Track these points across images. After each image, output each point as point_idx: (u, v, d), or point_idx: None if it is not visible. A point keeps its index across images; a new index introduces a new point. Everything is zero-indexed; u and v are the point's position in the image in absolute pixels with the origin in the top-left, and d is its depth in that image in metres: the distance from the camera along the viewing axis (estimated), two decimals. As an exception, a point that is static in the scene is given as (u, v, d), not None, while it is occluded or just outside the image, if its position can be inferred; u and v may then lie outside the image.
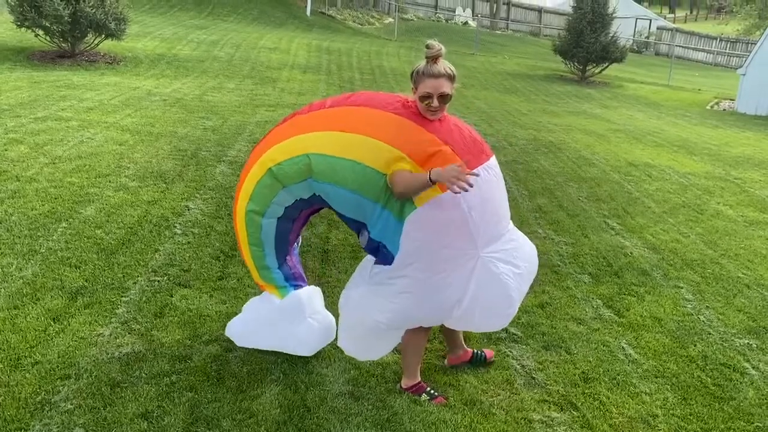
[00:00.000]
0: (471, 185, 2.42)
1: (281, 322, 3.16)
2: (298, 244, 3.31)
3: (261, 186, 2.91)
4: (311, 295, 3.25)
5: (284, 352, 3.24)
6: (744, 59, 17.42)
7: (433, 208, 2.71)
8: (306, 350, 3.22)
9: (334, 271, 4.31)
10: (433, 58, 2.70)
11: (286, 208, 2.96)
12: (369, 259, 3.02)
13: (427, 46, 2.71)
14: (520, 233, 3.13)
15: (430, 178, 2.53)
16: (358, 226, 2.90)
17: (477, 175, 2.53)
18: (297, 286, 3.22)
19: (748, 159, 9.52)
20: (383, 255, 2.83)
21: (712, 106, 16.57)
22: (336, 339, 3.30)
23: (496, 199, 2.89)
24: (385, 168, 2.68)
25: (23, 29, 11.56)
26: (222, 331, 3.42)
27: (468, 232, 2.75)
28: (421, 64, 2.74)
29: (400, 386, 3.08)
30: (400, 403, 2.96)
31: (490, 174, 2.85)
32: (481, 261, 2.80)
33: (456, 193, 2.43)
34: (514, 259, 2.91)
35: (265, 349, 3.27)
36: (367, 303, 2.89)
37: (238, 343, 3.29)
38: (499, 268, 2.83)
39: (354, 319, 2.97)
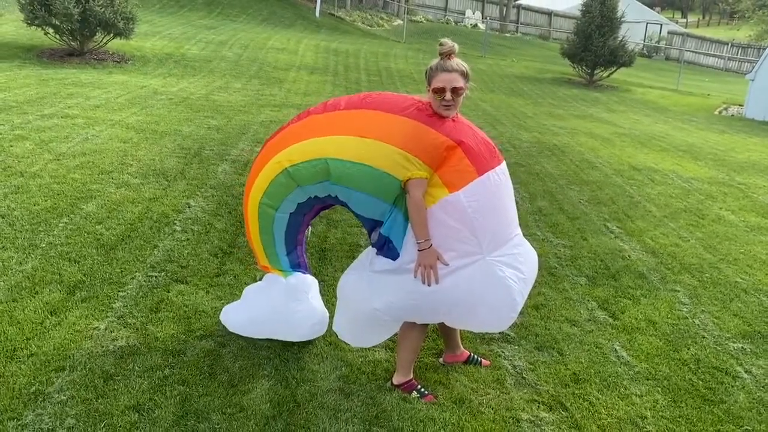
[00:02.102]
0: (437, 281, 2.78)
1: (283, 302, 3.23)
2: (306, 235, 3.39)
3: (276, 184, 2.99)
4: (315, 282, 3.38)
5: (276, 338, 3.31)
6: (755, 65, 17.32)
7: (439, 210, 2.77)
8: (299, 334, 3.28)
9: (330, 269, 4.34)
10: (446, 55, 2.78)
11: (299, 204, 3.05)
12: (371, 248, 3.05)
13: (441, 44, 2.80)
14: (525, 240, 3.15)
15: (423, 240, 2.75)
16: (374, 225, 2.96)
17: (446, 264, 2.78)
18: (302, 273, 3.32)
19: (754, 165, 9.48)
20: (388, 250, 2.88)
21: (720, 112, 16.49)
22: (328, 335, 3.35)
23: (505, 204, 2.92)
24: (400, 172, 2.75)
25: (33, 27, 11.68)
26: (217, 327, 3.47)
27: (473, 235, 2.79)
28: (435, 61, 2.81)
29: (392, 383, 3.10)
30: (389, 401, 2.98)
31: (501, 179, 2.89)
32: (486, 264, 2.83)
33: (420, 278, 2.79)
34: (520, 264, 2.93)
35: (256, 336, 3.34)
36: (367, 290, 2.92)
37: (231, 329, 3.37)
38: (504, 272, 2.85)
39: (351, 304, 3.01)
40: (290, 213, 3.10)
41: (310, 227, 3.43)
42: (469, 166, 2.75)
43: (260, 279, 3.87)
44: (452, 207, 2.76)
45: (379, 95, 2.97)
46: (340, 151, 2.84)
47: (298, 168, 2.92)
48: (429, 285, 2.78)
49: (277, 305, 3.26)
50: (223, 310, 3.51)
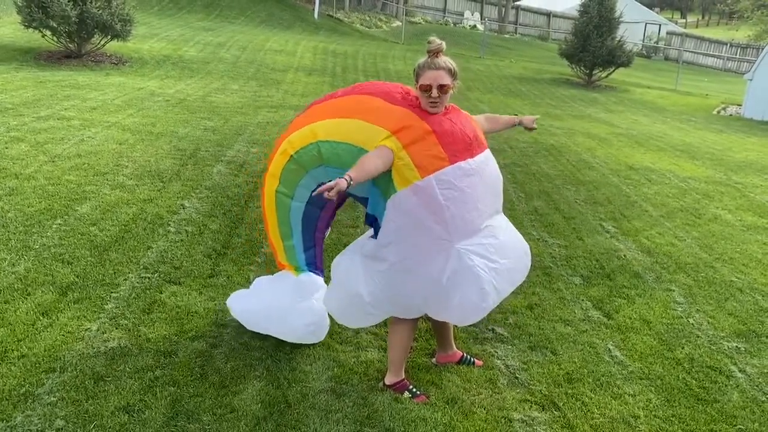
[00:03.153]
0: (329, 198, 2.51)
1: (288, 296, 3.26)
2: (324, 237, 3.44)
3: (287, 171, 3.10)
4: (324, 288, 3.40)
5: (271, 333, 3.31)
6: (753, 65, 17.31)
7: (412, 194, 2.77)
8: (294, 329, 3.28)
9: (325, 270, 4.32)
10: (433, 53, 2.82)
11: (311, 192, 3.11)
12: (369, 230, 3.08)
13: (429, 42, 2.84)
14: (512, 232, 3.13)
15: (348, 175, 2.56)
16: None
17: (330, 195, 2.52)
18: (315, 274, 3.37)
19: (751, 164, 9.47)
20: (377, 228, 2.92)
21: (718, 111, 16.48)
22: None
23: (478, 195, 2.90)
24: (373, 146, 2.81)
25: (31, 30, 11.68)
26: (209, 328, 3.47)
27: (444, 223, 2.79)
28: (423, 58, 2.84)
29: (384, 383, 3.10)
30: (381, 401, 2.98)
31: (474, 170, 2.87)
32: (455, 252, 2.83)
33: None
34: (491, 254, 2.91)
35: (254, 328, 3.35)
36: (354, 273, 2.95)
37: (234, 314, 3.41)
38: (473, 260, 2.84)
39: (342, 284, 3.03)
40: (306, 203, 3.17)
41: (329, 230, 3.47)
42: (441, 152, 2.76)
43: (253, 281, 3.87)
44: (423, 192, 2.75)
45: (371, 83, 3.12)
46: (327, 132, 2.97)
47: (300, 153, 3.04)
48: (326, 196, 2.56)
49: (282, 298, 3.29)
50: (231, 295, 3.53)
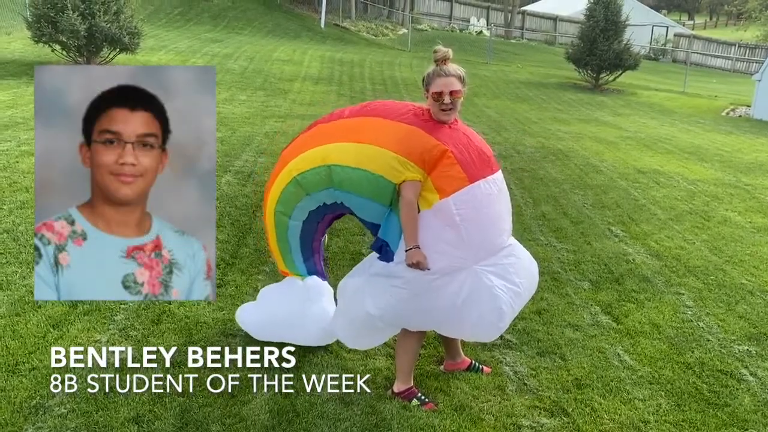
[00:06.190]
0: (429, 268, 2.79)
1: (297, 301, 3.29)
2: (323, 243, 3.49)
3: (287, 192, 3.12)
4: (330, 290, 3.45)
5: (284, 340, 3.30)
6: (762, 65, 17.20)
7: (432, 215, 2.82)
8: (308, 336, 3.30)
9: (332, 278, 4.33)
10: (441, 61, 2.87)
11: (310, 212, 3.16)
12: (374, 253, 3.09)
13: (435, 51, 2.89)
14: (521, 249, 3.15)
15: (411, 244, 2.79)
16: (377, 229, 3.02)
17: (428, 268, 2.79)
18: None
19: (761, 165, 9.41)
20: (385, 253, 2.94)
21: (727, 113, 16.38)
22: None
23: (497, 213, 2.93)
24: (394, 176, 2.82)
25: (41, 44, 11.83)
26: (218, 338, 3.49)
27: (461, 243, 2.81)
28: (431, 67, 2.89)
29: (392, 391, 3.10)
30: (389, 409, 2.98)
31: (492, 188, 2.91)
32: (473, 272, 2.85)
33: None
34: (510, 275, 2.94)
35: (266, 338, 3.35)
36: (363, 293, 2.96)
37: (245, 328, 3.42)
38: (492, 281, 2.87)
39: (350, 306, 3.04)
40: (303, 221, 3.20)
41: (326, 236, 3.49)
42: (460, 172, 2.80)
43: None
44: (442, 213, 2.80)
45: (380, 103, 3.09)
46: (340, 157, 2.94)
47: (304, 176, 3.03)
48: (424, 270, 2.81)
49: (291, 304, 3.31)
50: (240, 308, 3.54)
